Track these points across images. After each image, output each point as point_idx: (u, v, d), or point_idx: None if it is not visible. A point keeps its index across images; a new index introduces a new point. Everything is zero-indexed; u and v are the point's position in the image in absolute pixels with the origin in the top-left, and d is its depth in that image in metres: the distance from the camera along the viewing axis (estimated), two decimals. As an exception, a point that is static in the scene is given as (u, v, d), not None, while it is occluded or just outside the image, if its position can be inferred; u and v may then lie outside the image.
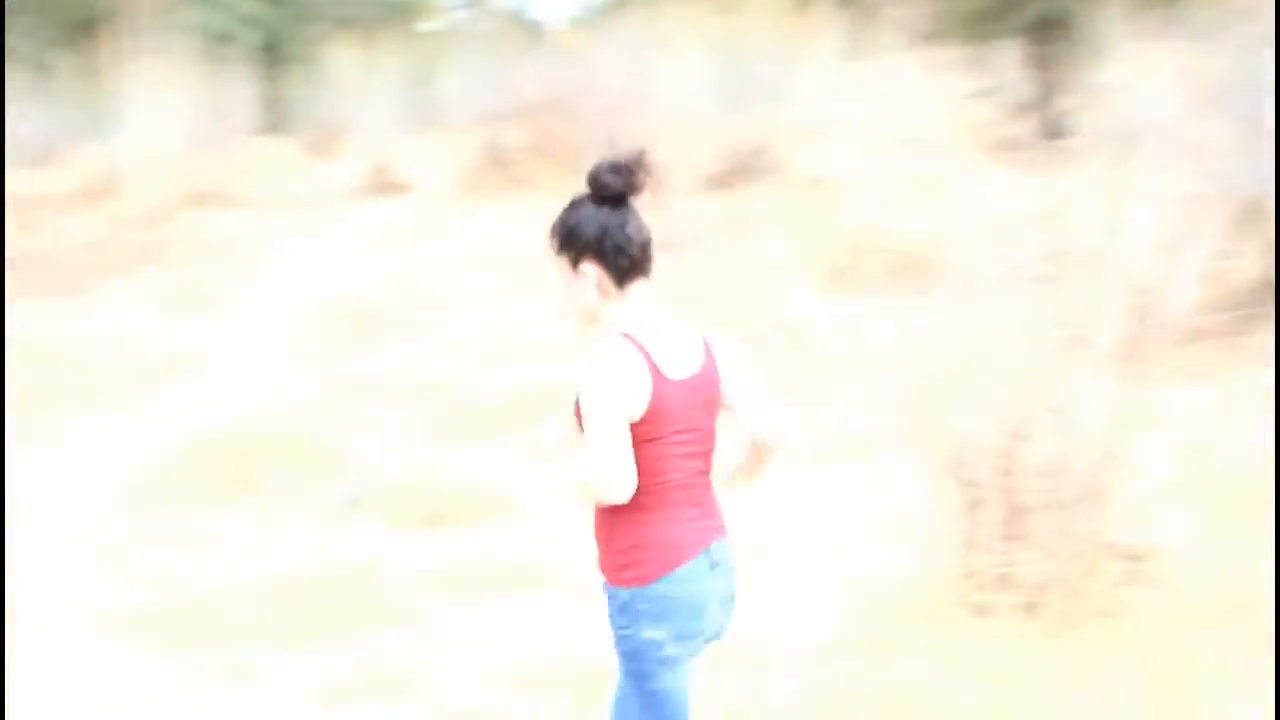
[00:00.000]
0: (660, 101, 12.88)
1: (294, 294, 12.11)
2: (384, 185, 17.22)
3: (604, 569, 3.22)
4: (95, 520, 7.26)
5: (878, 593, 5.60)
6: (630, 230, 3.10)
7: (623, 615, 3.15)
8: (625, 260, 3.10)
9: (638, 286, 3.14)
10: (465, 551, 6.50)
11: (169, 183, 15.88)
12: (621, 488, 2.98)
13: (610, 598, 3.19)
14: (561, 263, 3.18)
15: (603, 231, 3.09)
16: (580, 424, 3.11)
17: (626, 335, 3.08)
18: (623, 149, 3.13)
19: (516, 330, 10.48)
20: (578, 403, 3.12)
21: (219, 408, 8.96)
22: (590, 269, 3.12)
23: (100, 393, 9.69)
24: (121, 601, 6.08)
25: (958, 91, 17.15)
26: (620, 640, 3.18)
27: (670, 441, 3.08)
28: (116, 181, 16.51)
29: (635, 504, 3.04)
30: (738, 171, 14.56)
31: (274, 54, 22.42)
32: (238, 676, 5.28)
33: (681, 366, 3.11)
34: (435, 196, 16.37)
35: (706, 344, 3.22)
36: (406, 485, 7.46)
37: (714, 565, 3.17)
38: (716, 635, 3.29)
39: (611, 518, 3.13)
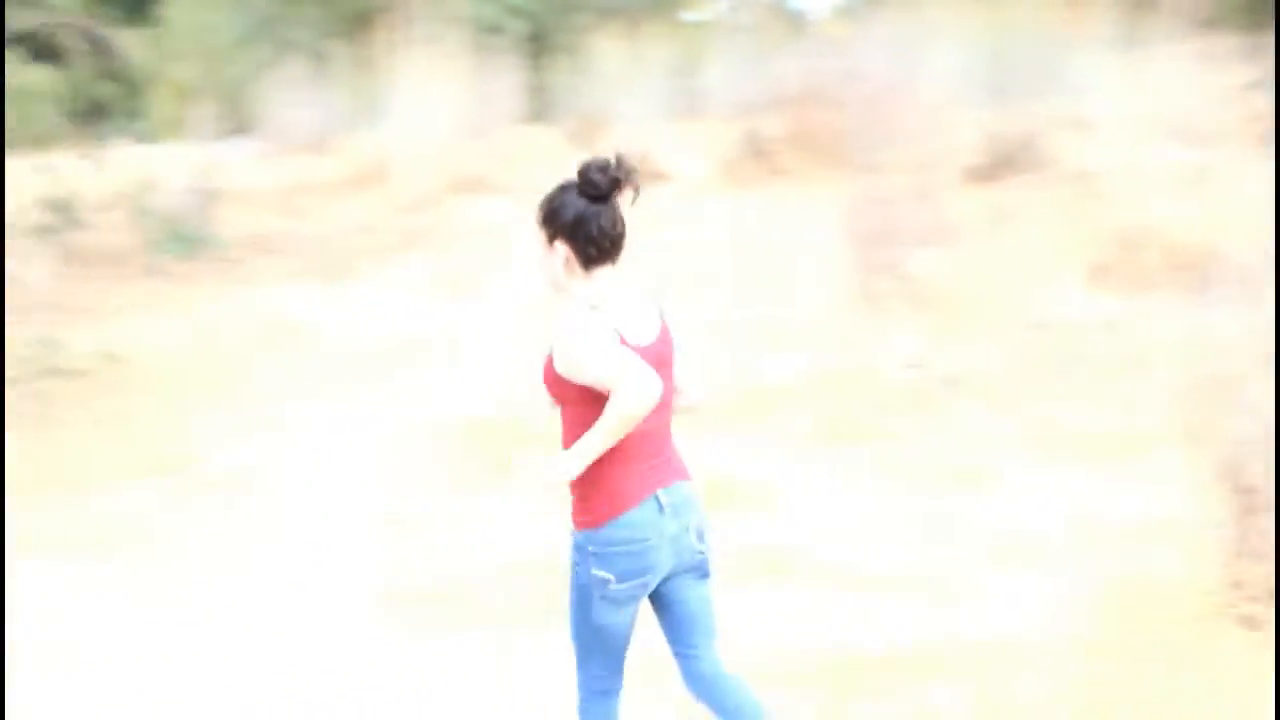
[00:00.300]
0: (924, 92, 12.66)
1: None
2: (644, 174, 17.29)
3: (571, 512, 3.58)
4: (358, 500, 7.47)
5: (1141, 596, 5.41)
6: (604, 224, 3.50)
7: (576, 553, 3.56)
8: (594, 249, 3.50)
9: (603, 270, 3.54)
10: (719, 539, 6.48)
11: (436, 169, 16.25)
12: (656, 387, 3.31)
13: (571, 536, 3.59)
14: (540, 235, 3.58)
15: (579, 220, 3.49)
16: (548, 387, 3.59)
17: (594, 308, 3.48)
18: (616, 153, 3.58)
19: (769, 320, 10.42)
20: (548, 363, 3.54)
21: (480, 390, 9.12)
22: (561, 248, 3.52)
23: (365, 374, 9.98)
24: (382, 580, 6.24)
25: (1235, 81, 16.46)
26: (573, 575, 3.59)
27: None
28: (386, 168, 16.99)
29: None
30: (1002, 164, 14.24)
31: (540, 44, 22.78)
32: (495, 656, 5.37)
33: (643, 334, 3.51)
34: (695, 185, 16.41)
35: (661, 315, 3.67)
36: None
37: (663, 508, 3.53)
38: (702, 567, 3.76)
39: None
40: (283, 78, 20.74)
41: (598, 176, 3.50)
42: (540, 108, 21.37)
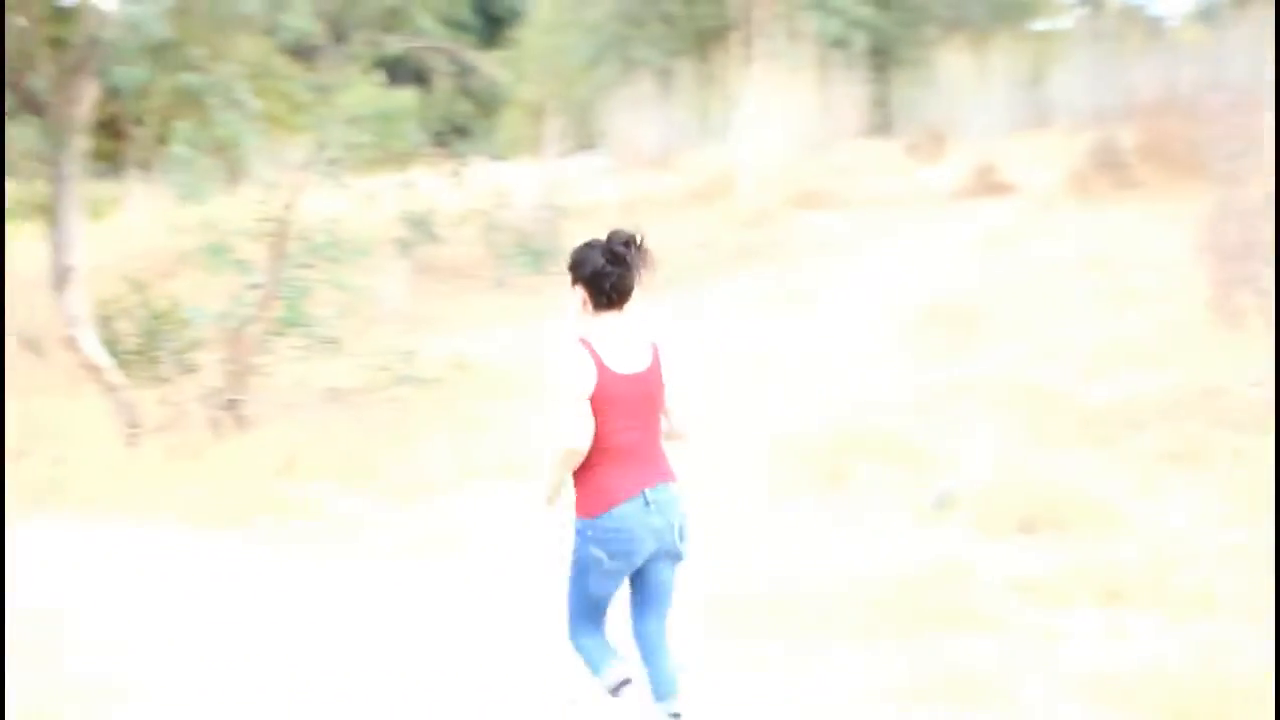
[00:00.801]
0: (1290, 100, 12.01)
1: (891, 293, 12.14)
2: (988, 186, 16.97)
3: (574, 504, 4.34)
4: (694, 507, 7.46)
5: None
6: (614, 281, 4.23)
7: (578, 537, 4.34)
8: (603, 299, 4.24)
9: (609, 314, 4.27)
10: (1056, 560, 6.28)
11: (777, 184, 16.29)
12: (582, 439, 4.21)
13: (574, 523, 4.35)
14: (569, 277, 4.33)
15: (595, 275, 4.24)
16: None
17: (584, 341, 4.25)
18: (639, 233, 4.26)
19: (1118, 337, 10.05)
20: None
21: (814, 403, 9.09)
22: (579, 292, 4.28)
23: (701, 386, 10.04)
24: (704, 587, 6.22)
25: None
26: (574, 554, 4.39)
27: (612, 417, 4.26)
28: (728, 183, 17.13)
29: (588, 461, 4.27)
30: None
31: (884, 57, 22.61)
32: (810, 668, 5.32)
33: (626, 365, 4.28)
34: (1040, 199, 15.99)
35: (655, 349, 4.40)
36: (998, 489, 7.28)
37: (648, 504, 4.32)
38: (676, 556, 4.50)
39: (577, 471, 4.30)
40: (629, 95, 21.20)
41: (619, 248, 4.25)
42: (883, 121, 21.23)
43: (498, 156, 19.86)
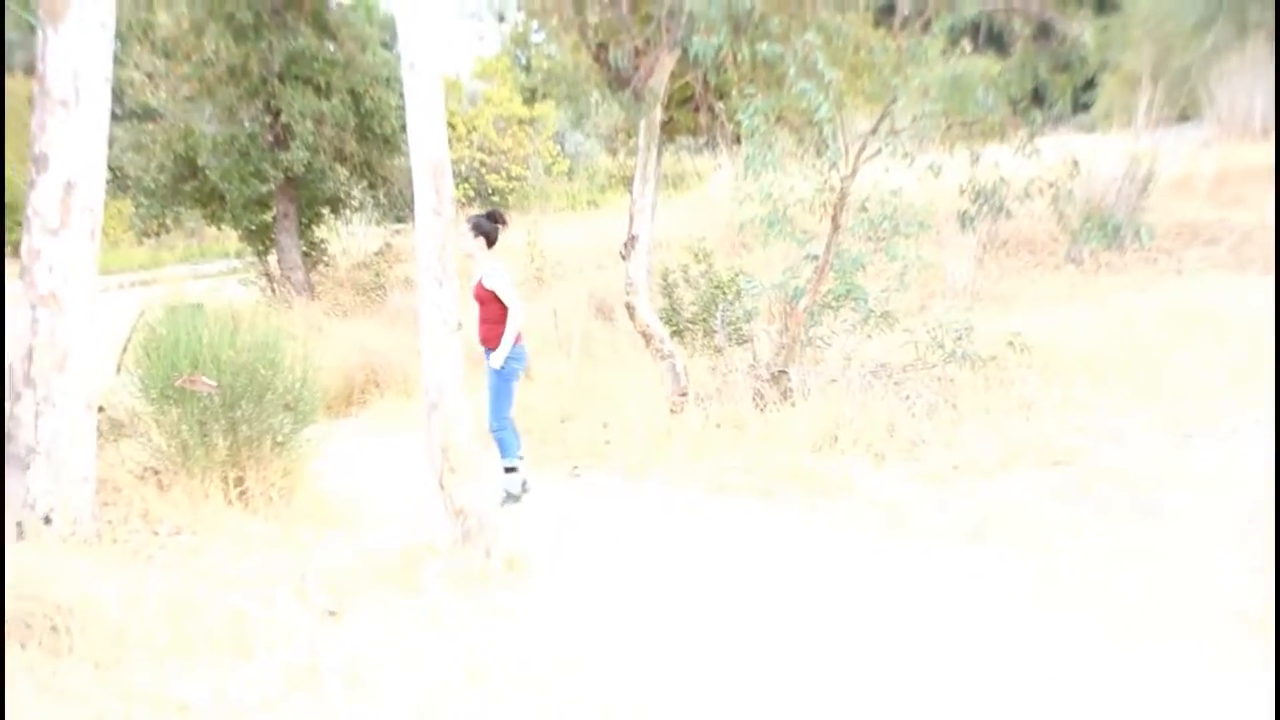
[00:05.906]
0: None
1: None
2: None
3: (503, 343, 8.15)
4: (1241, 518, 6.73)
5: None
6: (497, 235, 8.33)
7: (514, 360, 8.12)
8: (491, 244, 8.23)
9: (492, 251, 8.37)
10: None
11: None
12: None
13: (512, 352, 8.14)
14: (471, 231, 8.30)
15: (493, 231, 8.31)
16: (486, 293, 8.25)
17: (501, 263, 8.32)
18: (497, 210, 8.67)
19: None
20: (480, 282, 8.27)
21: None
22: (480, 240, 8.27)
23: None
24: (1251, 600, 5.58)
25: None
26: (507, 369, 8.12)
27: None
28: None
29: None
30: None
31: None
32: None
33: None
34: None
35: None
36: None
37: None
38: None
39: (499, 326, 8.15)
40: (1238, 62, 19.75)
41: (500, 217, 8.44)
42: None
43: (1089, 128, 18.97)
